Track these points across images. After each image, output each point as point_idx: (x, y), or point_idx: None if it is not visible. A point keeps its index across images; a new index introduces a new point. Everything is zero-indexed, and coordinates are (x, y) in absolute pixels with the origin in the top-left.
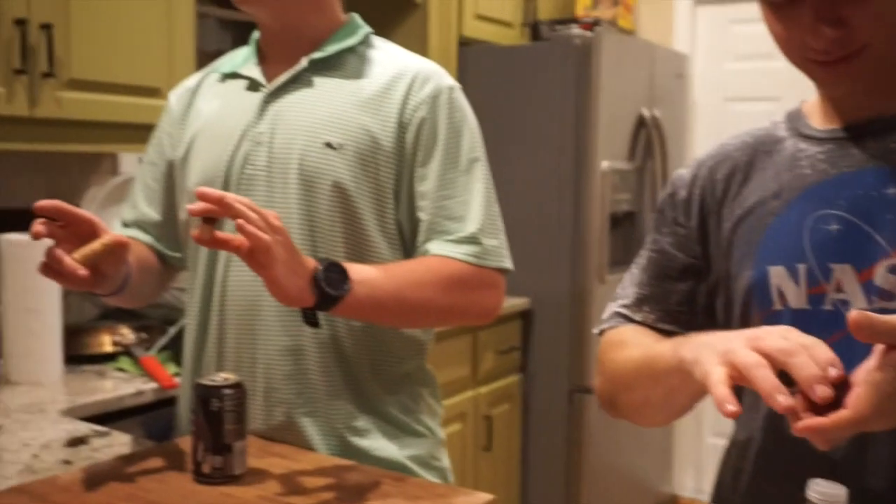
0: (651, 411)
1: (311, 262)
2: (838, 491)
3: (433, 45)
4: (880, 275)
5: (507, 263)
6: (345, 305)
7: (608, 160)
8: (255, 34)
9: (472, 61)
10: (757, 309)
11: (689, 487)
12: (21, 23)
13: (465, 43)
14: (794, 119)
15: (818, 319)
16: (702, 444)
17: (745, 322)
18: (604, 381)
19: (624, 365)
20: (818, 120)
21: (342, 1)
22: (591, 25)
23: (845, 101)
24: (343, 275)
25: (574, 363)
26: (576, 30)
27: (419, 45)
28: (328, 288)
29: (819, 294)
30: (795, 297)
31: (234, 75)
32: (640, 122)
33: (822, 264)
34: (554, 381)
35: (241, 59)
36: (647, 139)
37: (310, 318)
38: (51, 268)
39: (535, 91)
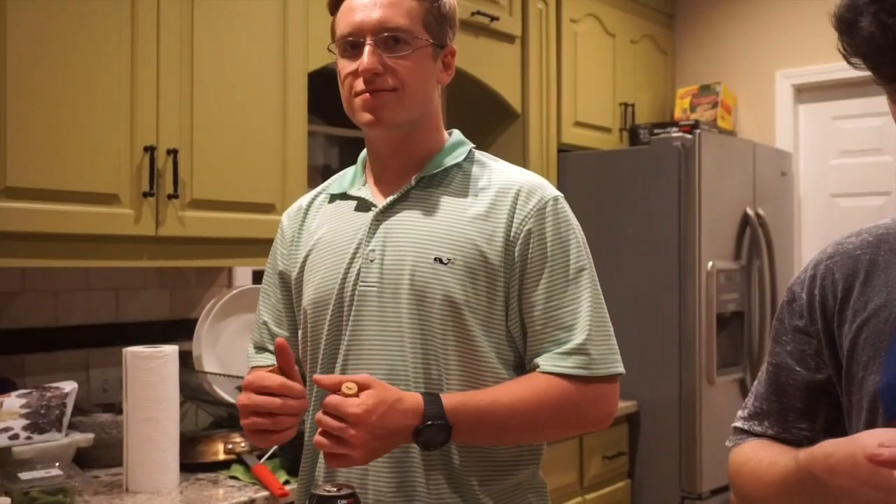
0: None
1: (411, 421)
2: None
3: (533, 153)
4: None
5: (619, 368)
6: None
7: (713, 260)
8: (363, 154)
9: (572, 167)
10: (885, 416)
11: None
12: (150, 149)
13: (564, 150)
14: None
15: None
16: None
17: (870, 427)
18: (738, 500)
19: (753, 483)
20: None
21: (446, 112)
22: (691, 128)
23: None
24: (443, 427)
25: (684, 468)
26: (675, 133)
27: (519, 153)
28: (426, 447)
29: None
30: None
31: (344, 195)
32: (745, 221)
33: None
34: (664, 487)
35: (350, 179)
36: (753, 237)
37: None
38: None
39: (636, 194)
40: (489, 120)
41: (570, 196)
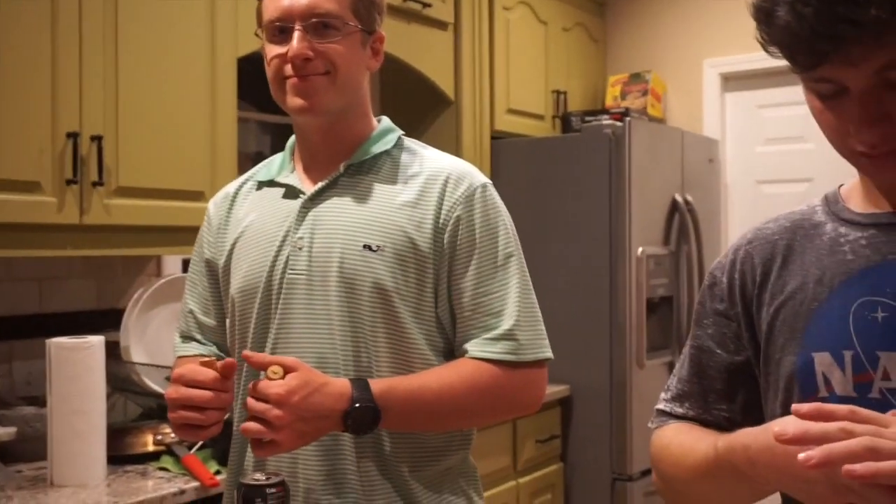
0: None
1: (338, 404)
2: None
3: (466, 140)
4: None
5: (547, 353)
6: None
7: (643, 245)
8: (291, 140)
9: (505, 154)
10: (800, 395)
11: None
12: (73, 135)
13: (497, 136)
14: (833, 203)
15: (865, 408)
16: None
17: (786, 408)
18: (659, 482)
19: (674, 468)
20: (858, 203)
21: (380, 99)
22: (622, 115)
23: (887, 188)
24: (371, 411)
25: (615, 450)
26: (606, 120)
27: (453, 140)
28: (355, 432)
29: (866, 382)
30: (841, 384)
31: (271, 183)
32: (674, 207)
33: (869, 352)
34: (595, 469)
35: (277, 166)
36: (682, 223)
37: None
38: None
39: (568, 181)
40: (423, 107)
41: (502, 183)
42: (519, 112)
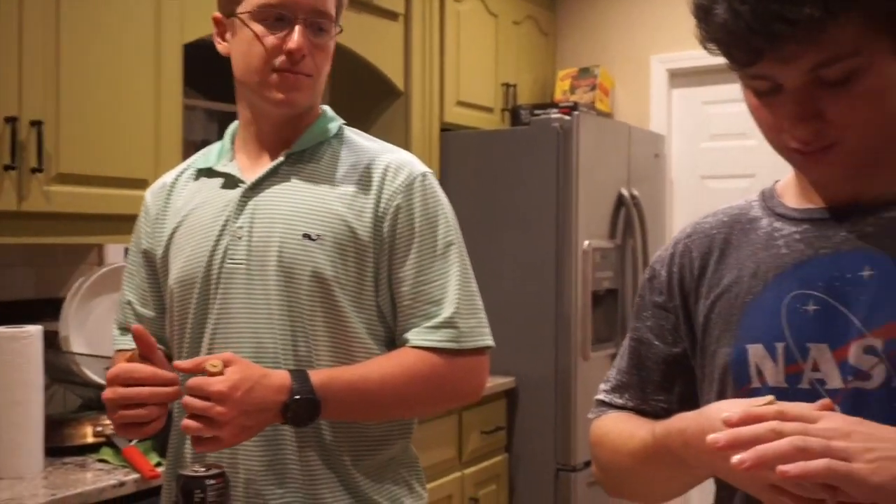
0: (651, 494)
1: (278, 396)
2: None
3: (416, 132)
4: (854, 354)
5: (488, 341)
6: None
7: (589, 239)
8: (232, 128)
9: (454, 146)
10: (734, 386)
11: None
12: (12, 120)
13: (446, 128)
14: (769, 198)
15: (795, 398)
16: None
17: (720, 399)
18: (598, 470)
19: (613, 455)
20: (793, 199)
21: (329, 89)
22: (570, 109)
23: (822, 184)
24: (311, 402)
25: (559, 441)
26: (555, 114)
27: (402, 132)
28: (295, 423)
29: (796, 373)
30: (773, 375)
31: (210, 172)
32: (620, 201)
33: (800, 344)
34: (540, 460)
35: (216, 154)
36: (627, 217)
37: None
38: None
39: (516, 174)
40: (372, 98)
41: (451, 175)
42: (468, 104)
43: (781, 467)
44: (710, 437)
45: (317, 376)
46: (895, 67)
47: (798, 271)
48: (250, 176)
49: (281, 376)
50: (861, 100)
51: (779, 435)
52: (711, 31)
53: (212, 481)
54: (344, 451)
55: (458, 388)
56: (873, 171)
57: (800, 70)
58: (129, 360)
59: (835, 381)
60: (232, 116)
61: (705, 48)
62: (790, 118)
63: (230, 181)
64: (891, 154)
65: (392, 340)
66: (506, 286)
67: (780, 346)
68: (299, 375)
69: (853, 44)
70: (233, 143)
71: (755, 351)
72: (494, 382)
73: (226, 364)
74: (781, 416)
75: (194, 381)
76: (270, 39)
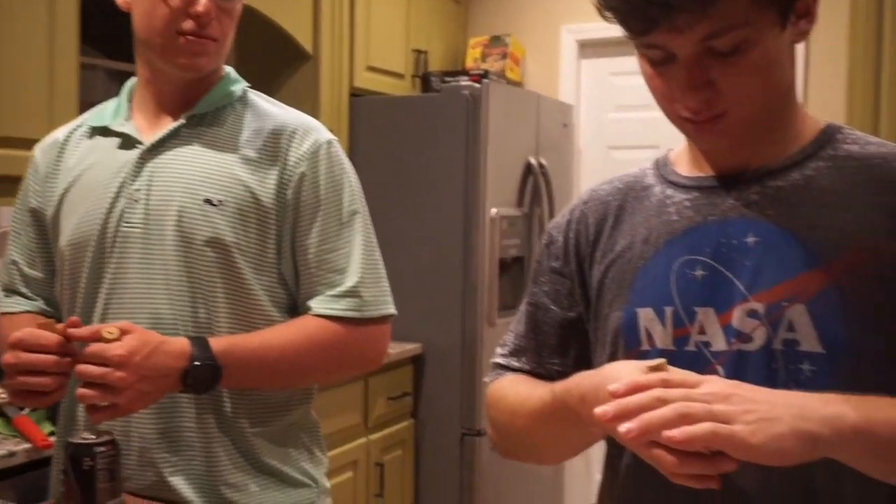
0: (545, 454)
1: (178, 363)
2: None
3: (325, 96)
4: (738, 318)
5: (390, 310)
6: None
7: (497, 207)
8: (129, 84)
9: (363, 112)
10: (624, 349)
11: None
12: None
13: (356, 94)
14: (662, 166)
15: (682, 360)
16: (591, 481)
17: (612, 360)
18: (493, 432)
19: (510, 416)
20: (685, 167)
21: (235, 51)
22: (480, 77)
23: (712, 153)
24: (211, 369)
25: (465, 406)
26: (465, 81)
27: (311, 96)
28: (195, 390)
29: (684, 336)
30: (662, 338)
31: (106, 130)
32: (528, 170)
33: (687, 307)
34: (446, 425)
35: (112, 112)
36: (535, 186)
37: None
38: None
39: (425, 141)
40: (280, 61)
41: (361, 141)
42: (379, 70)
43: (667, 433)
44: (598, 409)
45: (217, 343)
46: (780, 40)
47: (687, 237)
48: (149, 137)
49: (180, 343)
50: (749, 70)
51: (663, 402)
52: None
53: (101, 448)
54: (243, 417)
55: (359, 356)
56: (759, 141)
57: (692, 40)
58: (41, 326)
59: (719, 343)
60: (133, 76)
61: (602, 17)
62: (682, 87)
63: (127, 141)
64: (775, 125)
65: (294, 307)
66: (414, 253)
67: (668, 310)
68: (199, 342)
69: (743, 15)
70: (130, 101)
71: (645, 314)
72: (401, 349)
73: (123, 332)
74: (665, 384)
75: (92, 347)
76: (176, 1)
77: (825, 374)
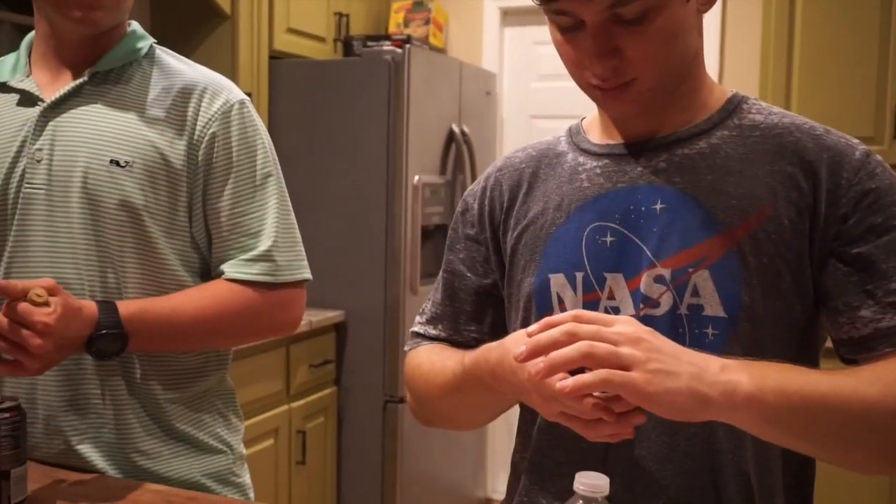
0: (462, 421)
1: (85, 330)
2: (601, 482)
3: (243, 58)
4: (645, 283)
5: (304, 274)
6: (126, 351)
7: (419, 174)
8: (28, 39)
9: (283, 75)
10: (536, 314)
11: (502, 490)
12: None
13: (276, 56)
14: (575, 134)
15: None
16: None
17: (524, 326)
18: (412, 401)
19: (426, 386)
20: (596, 135)
21: (149, 10)
22: (403, 43)
23: (622, 120)
24: (118, 336)
25: (388, 374)
26: (387, 46)
27: (228, 58)
28: (99, 357)
29: (594, 300)
30: (572, 302)
31: (3, 87)
32: (451, 138)
33: (597, 273)
34: (368, 392)
35: (10, 68)
36: (458, 154)
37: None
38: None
39: (347, 106)
40: (195, 20)
41: (280, 104)
42: (299, 32)
43: (559, 384)
44: (515, 351)
45: (126, 308)
46: (687, 9)
47: (597, 204)
48: (50, 94)
49: (90, 308)
50: (655, 38)
51: (574, 337)
52: None
53: (5, 415)
54: (154, 382)
55: (273, 321)
56: (667, 108)
57: (599, 7)
58: None
59: (628, 308)
60: None
61: None
62: (590, 54)
63: (27, 98)
64: (682, 93)
65: (207, 271)
66: (336, 220)
67: (579, 276)
68: (107, 308)
69: None
70: (29, 56)
71: (556, 280)
72: (323, 316)
73: (50, 293)
74: (577, 319)
75: (23, 306)
76: None
77: (727, 338)
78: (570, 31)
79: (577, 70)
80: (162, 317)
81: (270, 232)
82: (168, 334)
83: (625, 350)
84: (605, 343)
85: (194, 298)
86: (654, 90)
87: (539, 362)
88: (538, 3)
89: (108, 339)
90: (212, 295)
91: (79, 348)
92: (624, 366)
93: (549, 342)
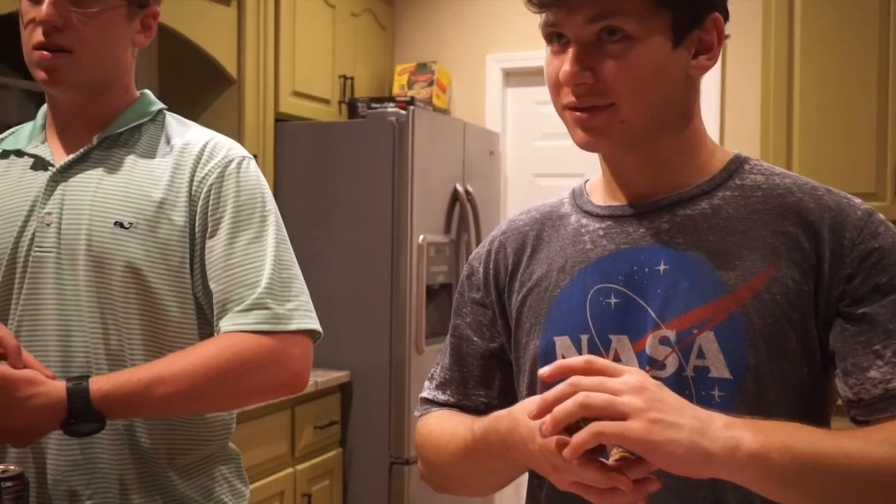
0: (475, 487)
1: (52, 419)
2: None
3: (249, 121)
4: (651, 345)
5: (309, 325)
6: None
7: (424, 233)
8: (44, 108)
9: (289, 137)
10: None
11: None
12: None
13: (282, 119)
14: (578, 196)
15: None
16: None
17: (531, 390)
18: (423, 467)
19: (436, 454)
20: (599, 196)
21: (157, 75)
22: (407, 104)
23: (622, 181)
24: (90, 420)
25: (393, 434)
26: (391, 108)
27: (235, 121)
28: (78, 436)
29: None
30: None
31: (19, 153)
32: (455, 197)
33: (603, 335)
34: (374, 453)
35: (27, 135)
36: (462, 213)
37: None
38: None
39: (352, 167)
40: (203, 85)
41: (286, 167)
42: (304, 95)
43: (565, 452)
44: (528, 409)
45: (100, 388)
46: (673, 58)
47: (601, 265)
48: (61, 159)
49: (57, 394)
50: (633, 66)
51: (577, 388)
52: None
53: (9, 483)
54: (159, 448)
55: (270, 376)
56: (664, 166)
57: (580, 21)
58: None
59: None
60: None
61: None
62: (568, 67)
63: (39, 164)
64: (676, 151)
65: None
66: (341, 280)
67: (584, 338)
68: (77, 392)
69: (634, 6)
70: (45, 124)
71: (562, 342)
72: (329, 376)
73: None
74: (588, 366)
75: None
76: (29, 13)
77: (733, 399)
78: (559, 52)
79: (556, 90)
80: (139, 389)
81: (265, 281)
82: (151, 403)
83: (625, 399)
84: (605, 393)
85: (184, 360)
86: (630, 126)
87: (546, 425)
88: (532, 10)
89: (79, 424)
90: (201, 355)
91: (56, 428)
92: (621, 415)
93: (555, 398)
